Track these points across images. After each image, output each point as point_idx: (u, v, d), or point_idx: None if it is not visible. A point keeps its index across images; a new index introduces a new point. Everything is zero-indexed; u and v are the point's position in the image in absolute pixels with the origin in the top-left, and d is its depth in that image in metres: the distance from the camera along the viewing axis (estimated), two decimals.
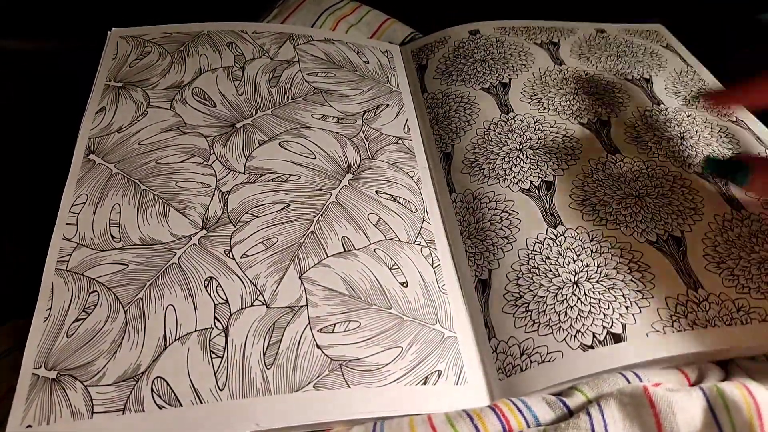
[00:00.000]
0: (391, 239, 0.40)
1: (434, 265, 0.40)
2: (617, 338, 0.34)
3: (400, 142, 0.47)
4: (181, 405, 0.33)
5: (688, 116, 0.48)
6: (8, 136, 0.55)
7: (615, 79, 0.51)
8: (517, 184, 0.42)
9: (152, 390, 0.33)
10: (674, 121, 0.47)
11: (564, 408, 0.32)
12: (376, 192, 0.43)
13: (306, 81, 0.49)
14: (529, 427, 0.31)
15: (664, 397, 0.30)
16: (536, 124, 0.46)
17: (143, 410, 0.32)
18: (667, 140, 0.45)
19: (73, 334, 0.35)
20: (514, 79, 0.51)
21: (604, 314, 0.35)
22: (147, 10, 0.64)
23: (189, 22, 0.54)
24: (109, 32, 0.51)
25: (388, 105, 0.49)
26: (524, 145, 0.45)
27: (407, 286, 0.38)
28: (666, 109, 0.48)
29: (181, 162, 0.43)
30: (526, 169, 0.43)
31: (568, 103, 0.48)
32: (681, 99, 0.50)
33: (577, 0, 0.64)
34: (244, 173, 0.43)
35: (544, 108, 0.48)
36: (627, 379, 0.32)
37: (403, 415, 0.33)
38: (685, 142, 0.45)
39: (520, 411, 0.32)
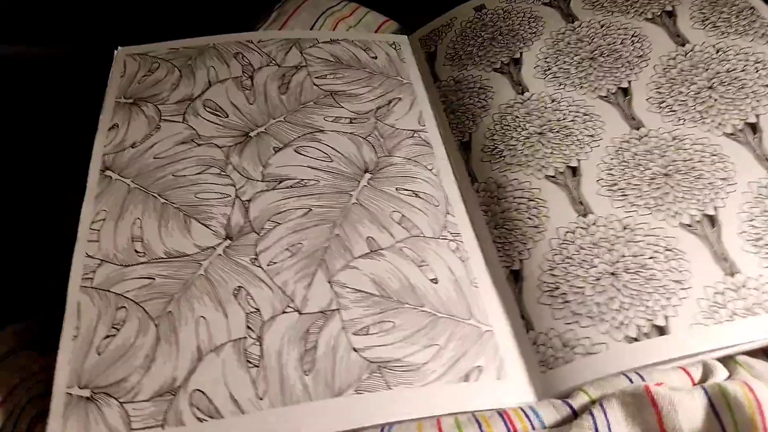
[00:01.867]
0: (417, 236, 0.40)
1: (463, 259, 0.39)
2: (662, 331, 0.33)
3: (416, 135, 0.46)
4: (222, 417, 0.32)
5: (717, 52, 0.45)
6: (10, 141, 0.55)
7: (634, 22, 0.48)
8: (540, 170, 0.41)
9: (191, 403, 0.32)
10: (701, 65, 0.44)
11: (569, 409, 0.32)
12: (397, 189, 0.42)
13: (315, 85, 0.49)
14: (534, 429, 0.31)
15: (666, 396, 0.30)
16: (554, 103, 0.45)
17: (183, 424, 0.32)
18: (693, 97, 0.42)
19: (103, 351, 0.34)
20: (525, 53, 0.49)
21: (646, 306, 0.34)
22: (146, 11, 0.64)
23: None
24: (115, 51, 0.51)
25: (400, 98, 0.49)
26: (544, 128, 0.43)
27: (437, 282, 0.38)
28: (692, 49, 0.45)
29: (198, 174, 0.42)
30: (548, 155, 0.42)
31: (584, 72, 0.46)
32: (710, 27, 0.46)
33: None
34: (262, 181, 0.42)
35: (560, 84, 0.46)
36: (630, 381, 0.32)
37: (449, 413, 0.32)
38: (714, 91, 0.42)
39: (526, 415, 0.32)
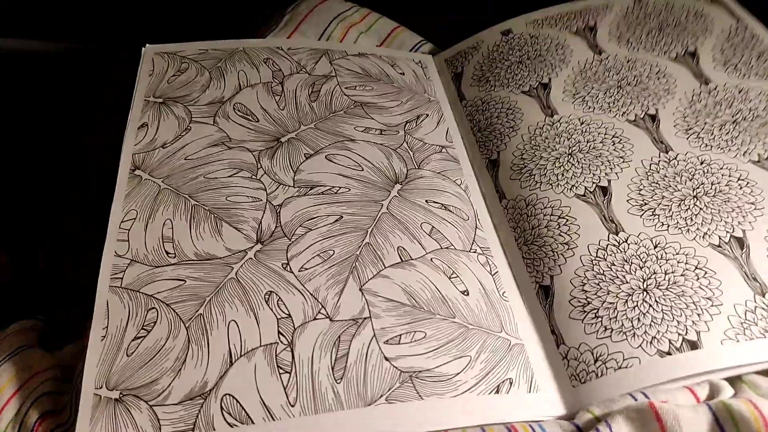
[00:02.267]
0: (447, 248, 0.40)
1: (492, 273, 0.39)
2: (693, 345, 0.33)
3: (443, 150, 0.47)
4: (253, 422, 0.32)
5: (740, 92, 0.46)
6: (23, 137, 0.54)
7: (659, 60, 0.50)
8: (571, 189, 0.42)
9: (222, 408, 0.32)
10: (725, 102, 0.45)
11: (575, 428, 0.32)
12: (426, 201, 0.42)
13: (345, 95, 0.49)
14: None
15: (670, 411, 0.30)
16: (583, 125, 0.46)
17: (214, 429, 0.31)
18: (719, 127, 0.44)
19: (133, 353, 0.34)
20: (554, 78, 0.50)
21: (678, 321, 0.34)
22: (147, 8, 0.64)
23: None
24: (143, 48, 0.51)
25: (427, 115, 0.49)
26: (573, 149, 0.44)
27: (468, 294, 0.38)
28: (715, 88, 0.47)
29: (230, 177, 0.42)
30: (578, 174, 0.42)
31: (612, 98, 0.47)
32: (731, 69, 0.48)
33: None
34: (294, 186, 0.42)
35: (589, 107, 0.47)
36: (635, 399, 0.33)
37: (480, 425, 0.32)
38: (738, 126, 0.44)
39: (533, 430, 0.32)
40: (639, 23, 0.53)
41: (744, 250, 0.37)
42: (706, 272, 0.36)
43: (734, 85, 0.47)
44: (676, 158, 0.42)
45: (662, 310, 0.35)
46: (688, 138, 0.44)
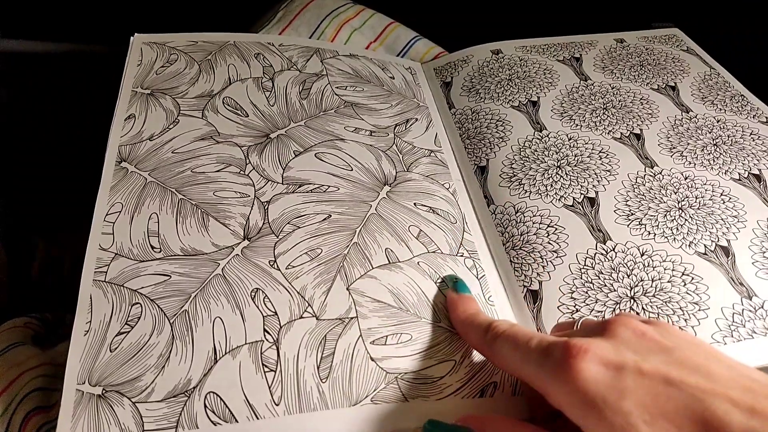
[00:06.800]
0: (434, 252, 0.40)
1: (479, 276, 0.39)
2: None
3: (432, 155, 0.47)
4: (237, 421, 0.31)
5: (718, 122, 0.49)
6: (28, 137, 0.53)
7: (641, 89, 0.52)
8: (560, 200, 0.42)
9: (205, 406, 0.32)
10: (705, 128, 0.48)
11: None
12: (415, 204, 0.42)
13: (336, 94, 0.49)
14: None
15: None
16: (570, 141, 0.47)
17: (197, 427, 0.31)
18: (701, 148, 0.46)
19: (116, 348, 0.33)
20: (542, 97, 0.52)
21: None
22: (143, 8, 0.63)
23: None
24: (131, 38, 0.50)
25: (417, 119, 0.50)
26: (562, 162, 0.45)
27: None
28: (695, 116, 0.49)
29: (218, 171, 0.42)
30: (567, 186, 0.43)
31: (599, 118, 0.49)
32: (708, 104, 0.51)
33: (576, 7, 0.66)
34: (282, 183, 0.42)
35: (576, 125, 0.49)
36: None
37: None
38: (718, 148, 0.46)
39: None
40: (622, 59, 0.56)
41: (729, 258, 0.38)
42: (692, 278, 0.37)
43: (713, 116, 0.50)
44: (661, 173, 0.44)
45: (649, 317, 0.36)
46: (672, 156, 0.46)
